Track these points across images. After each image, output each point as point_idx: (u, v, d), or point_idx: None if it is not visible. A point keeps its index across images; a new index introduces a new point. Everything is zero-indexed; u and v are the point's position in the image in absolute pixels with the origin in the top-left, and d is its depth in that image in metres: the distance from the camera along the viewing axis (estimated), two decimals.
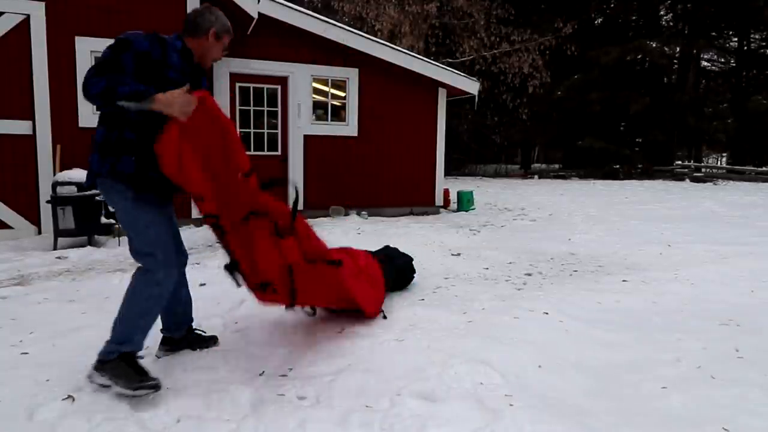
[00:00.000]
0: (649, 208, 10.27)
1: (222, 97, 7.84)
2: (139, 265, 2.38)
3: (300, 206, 9.77)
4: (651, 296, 3.92)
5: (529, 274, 4.80)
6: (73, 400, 2.22)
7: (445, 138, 9.53)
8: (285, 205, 2.76)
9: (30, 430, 2.06)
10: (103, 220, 5.91)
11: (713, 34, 24.66)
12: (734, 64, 26.07)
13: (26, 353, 2.74)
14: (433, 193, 9.48)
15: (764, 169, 20.24)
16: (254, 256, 2.64)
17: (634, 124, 24.05)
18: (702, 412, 2.18)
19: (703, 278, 4.46)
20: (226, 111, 7.85)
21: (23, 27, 6.14)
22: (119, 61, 2.22)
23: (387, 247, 4.39)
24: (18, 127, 6.12)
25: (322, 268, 2.72)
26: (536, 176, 23.94)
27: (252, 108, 8.18)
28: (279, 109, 8.34)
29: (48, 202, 5.64)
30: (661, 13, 25.36)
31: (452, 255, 5.59)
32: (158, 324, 2.64)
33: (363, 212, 8.59)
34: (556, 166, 29.66)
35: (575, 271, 4.99)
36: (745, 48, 25.03)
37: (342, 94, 8.76)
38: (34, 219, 6.19)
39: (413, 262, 4.27)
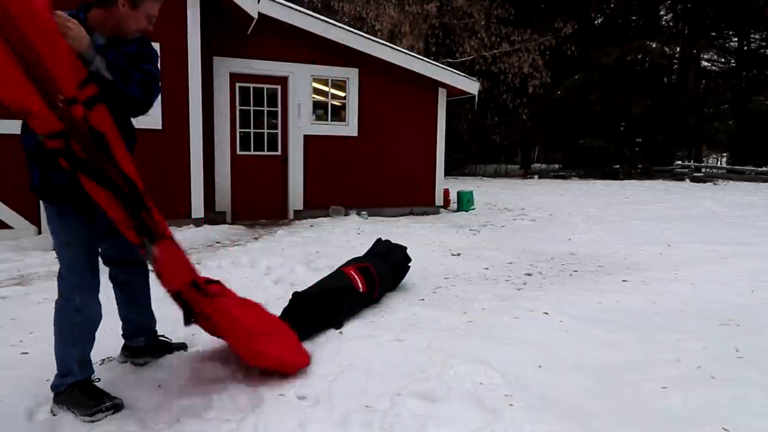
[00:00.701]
0: (649, 208, 10.27)
1: (222, 97, 7.85)
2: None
3: (300, 206, 9.72)
4: (651, 296, 3.92)
5: (529, 274, 4.80)
6: None
7: (445, 138, 9.53)
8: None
9: (30, 430, 2.06)
10: None
11: (713, 34, 24.67)
12: (734, 64, 26.07)
13: (26, 353, 2.74)
14: (433, 193, 9.48)
15: (764, 169, 20.24)
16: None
17: (634, 124, 24.06)
18: (702, 412, 2.18)
19: (703, 278, 4.46)
20: (226, 111, 7.87)
21: None
22: None
23: (378, 242, 4.39)
24: (18, 127, 6.10)
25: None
26: (536, 176, 23.94)
27: (252, 108, 8.18)
28: (279, 109, 8.34)
29: None
30: (661, 13, 25.36)
31: (452, 255, 5.59)
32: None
33: (363, 212, 8.59)
34: (556, 166, 29.66)
35: (575, 271, 4.98)
36: (745, 48, 25.03)
37: (342, 94, 8.76)
38: (34, 219, 6.18)
39: (407, 251, 4.31)
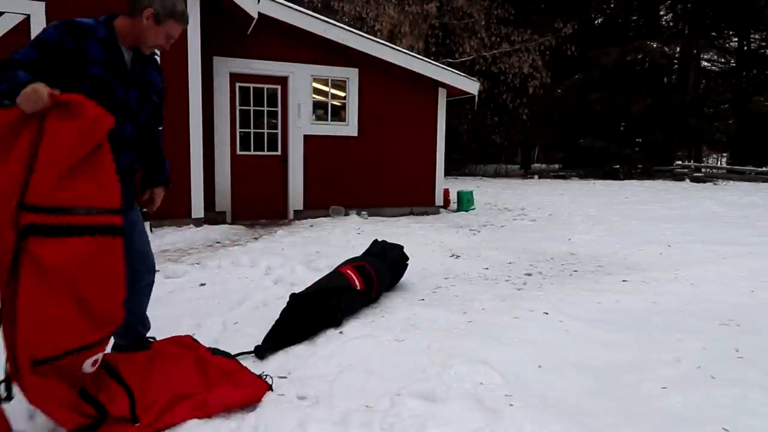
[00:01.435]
0: (649, 208, 10.27)
1: (222, 97, 7.85)
2: None
3: (300, 206, 9.71)
4: (651, 296, 3.92)
5: (529, 274, 4.80)
6: None
7: (445, 138, 9.53)
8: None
9: (30, 430, 2.06)
10: None
11: (713, 34, 24.65)
12: (734, 64, 26.06)
13: None
14: (433, 193, 9.48)
15: (764, 169, 20.23)
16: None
17: (634, 124, 24.05)
18: (702, 412, 2.18)
19: (703, 278, 4.46)
20: (226, 111, 7.87)
21: (23, 27, 6.13)
22: (19, 55, 1.93)
23: (375, 242, 4.40)
24: None
25: None
26: (536, 176, 23.94)
27: (252, 108, 8.18)
28: (279, 109, 8.34)
29: None
30: (661, 13, 25.36)
31: (452, 255, 5.59)
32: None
33: (363, 212, 8.59)
34: (556, 166, 29.66)
35: (575, 271, 4.99)
36: (745, 48, 25.02)
37: (342, 94, 8.76)
38: None
39: (404, 250, 4.33)
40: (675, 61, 24.74)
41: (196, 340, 2.57)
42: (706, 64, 26.81)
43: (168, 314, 3.28)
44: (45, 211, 1.71)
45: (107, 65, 2.13)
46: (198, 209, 6.95)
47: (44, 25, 6.12)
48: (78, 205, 1.77)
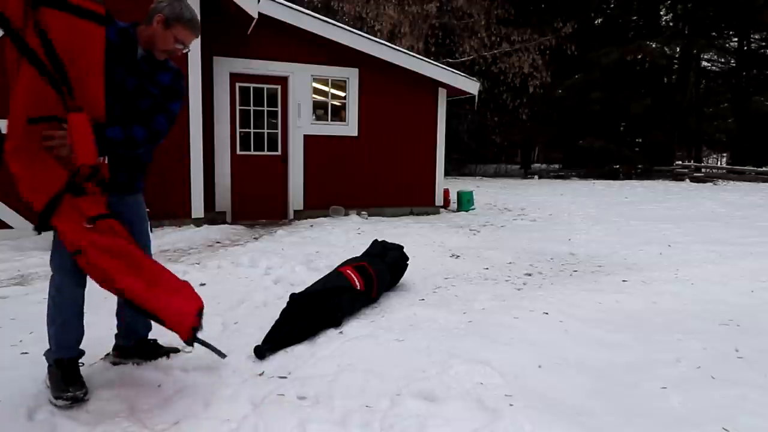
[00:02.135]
0: (649, 208, 10.27)
1: (222, 97, 7.85)
2: None
3: (300, 206, 9.71)
4: (651, 296, 3.92)
5: (529, 274, 4.80)
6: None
7: (445, 138, 9.52)
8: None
9: (30, 430, 2.06)
10: None
11: (713, 34, 24.64)
12: (734, 65, 26.05)
13: (26, 353, 2.74)
14: (433, 193, 9.48)
15: (764, 169, 20.21)
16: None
17: (634, 124, 24.04)
18: (702, 412, 2.18)
19: (703, 278, 4.46)
20: (226, 111, 7.87)
21: None
22: None
23: (375, 242, 4.40)
24: None
25: None
26: (536, 176, 23.94)
27: (252, 108, 8.17)
28: (279, 109, 8.34)
29: None
30: (661, 13, 25.36)
31: (452, 255, 5.59)
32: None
33: (363, 212, 8.59)
34: (556, 166, 29.64)
35: (575, 271, 4.99)
36: (745, 48, 25.01)
37: (342, 94, 8.76)
38: (35, 219, 6.19)
39: (404, 250, 4.33)
40: (675, 61, 24.73)
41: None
42: (706, 64, 26.80)
43: None
44: None
45: (116, 48, 2.24)
46: (198, 209, 6.95)
47: None
48: None
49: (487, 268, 5.02)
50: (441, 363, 2.55)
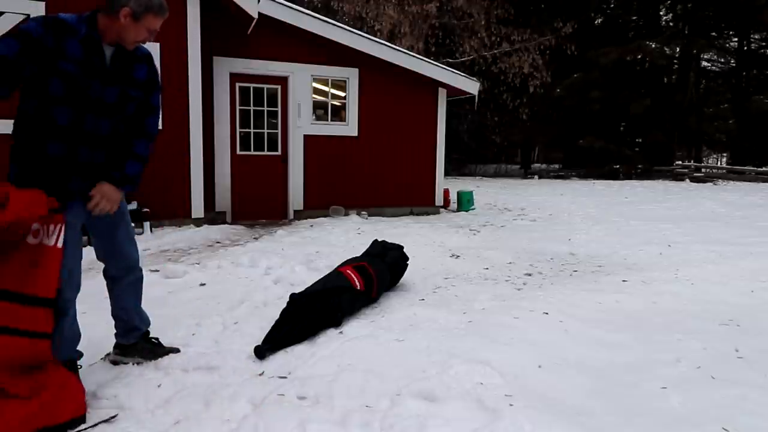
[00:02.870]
0: (649, 208, 10.27)
1: (222, 97, 7.85)
2: None
3: (300, 206, 9.69)
4: (651, 296, 3.92)
5: (529, 274, 4.81)
6: None
7: (445, 138, 9.52)
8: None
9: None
10: None
11: (713, 34, 24.63)
12: (734, 65, 26.04)
13: None
14: (433, 193, 9.48)
15: (764, 169, 20.20)
16: None
17: (634, 124, 24.04)
18: (702, 412, 2.18)
19: (703, 278, 4.46)
20: (226, 111, 7.87)
21: None
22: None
23: (375, 242, 4.40)
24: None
25: None
26: (536, 176, 23.94)
27: (252, 108, 8.17)
28: (279, 109, 8.34)
29: None
30: (661, 13, 25.35)
31: (452, 255, 5.59)
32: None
33: (363, 212, 8.59)
34: (556, 166, 29.63)
35: (575, 271, 4.99)
36: (745, 48, 25.00)
37: (342, 94, 8.75)
38: None
39: (404, 249, 4.33)
40: (675, 61, 24.72)
41: None
42: (706, 64, 26.78)
43: (168, 314, 3.28)
44: None
45: (84, 63, 2.13)
46: (198, 209, 6.96)
47: None
48: None
49: (487, 268, 5.02)
50: (441, 363, 2.55)
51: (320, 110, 8.63)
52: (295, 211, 8.40)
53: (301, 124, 8.35)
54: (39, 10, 6.16)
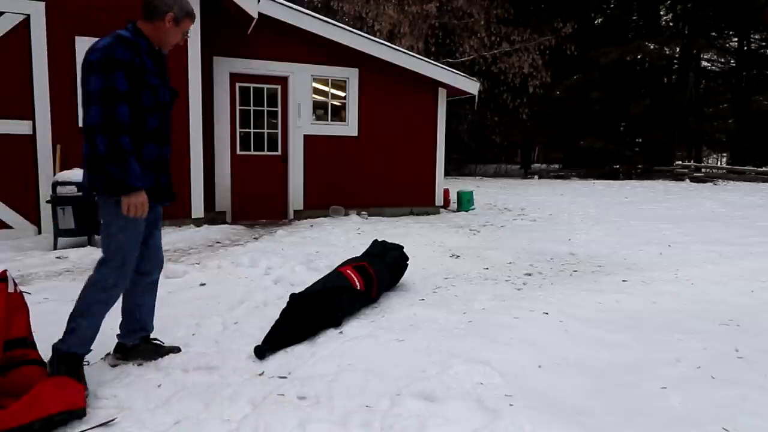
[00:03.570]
0: (649, 208, 10.27)
1: (222, 97, 7.85)
2: (97, 264, 2.39)
3: (300, 206, 9.72)
4: (651, 296, 3.92)
5: (529, 274, 4.81)
6: None
7: (445, 138, 9.53)
8: None
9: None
10: None
11: (713, 34, 24.63)
12: (734, 65, 26.04)
13: None
14: (433, 193, 9.48)
15: (764, 169, 20.20)
16: None
17: (634, 124, 24.04)
18: (702, 412, 2.18)
19: (703, 278, 4.46)
20: (226, 111, 7.87)
21: (23, 27, 6.13)
22: (116, 85, 2.20)
23: (375, 242, 4.40)
24: (18, 127, 6.11)
25: None
26: (536, 176, 23.94)
27: (252, 108, 8.18)
28: (279, 109, 8.34)
29: (48, 202, 5.64)
30: (661, 13, 25.35)
31: (452, 255, 5.59)
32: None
33: (363, 212, 8.59)
34: (556, 166, 29.63)
35: (575, 271, 4.99)
36: (745, 48, 25.01)
37: (342, 94, 8.76)
38: (34, 219, 6.18)
39: (404, 249, 4.33)
40: (675, 61, 24.73)
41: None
42: (706, 64, 26.77)
43: (168, 314, 3.28)
44: None
45: (157, 73, 2.41)
46: (198, 209, 6.96)
47: (44, 26, 6.15)
48: None
49: (487, 268, 5.02)
50: (441, 363, 2.55)
51: (320, 110, 8.63)
52: (295, 211, 8.40)
53: (301, 124, 8.35)
54: (39, 10, 6.16)
